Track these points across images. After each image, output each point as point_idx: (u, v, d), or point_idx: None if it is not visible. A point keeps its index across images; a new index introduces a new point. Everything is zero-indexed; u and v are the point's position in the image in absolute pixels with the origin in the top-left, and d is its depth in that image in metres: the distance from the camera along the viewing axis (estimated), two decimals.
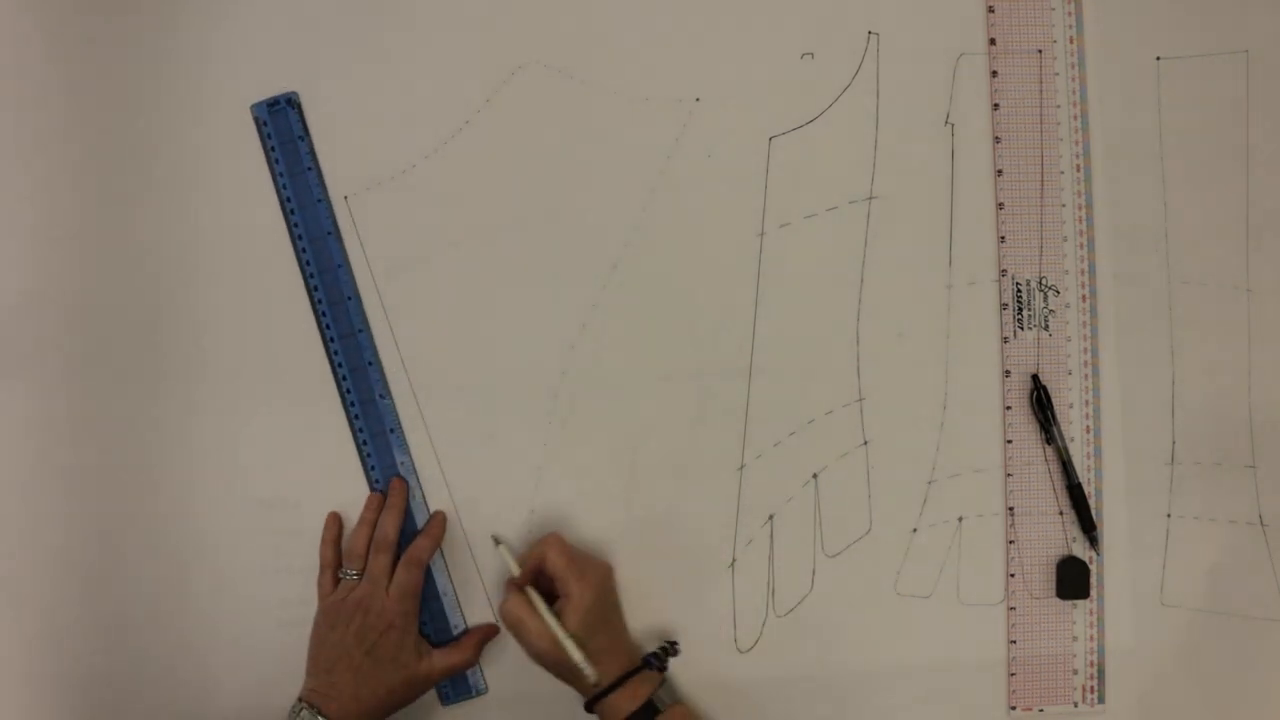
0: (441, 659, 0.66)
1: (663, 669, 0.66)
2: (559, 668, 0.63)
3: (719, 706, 0.70)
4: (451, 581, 0.70)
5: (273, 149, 0.69)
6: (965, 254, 0.72)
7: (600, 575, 0.65)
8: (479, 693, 0.70)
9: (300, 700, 0.62)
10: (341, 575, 0.67)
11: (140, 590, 0.67)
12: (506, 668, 0.70)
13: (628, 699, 0.62)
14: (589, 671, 0.61)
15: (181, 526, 0.68)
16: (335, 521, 0.69)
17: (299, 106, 0.69)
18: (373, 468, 0.69)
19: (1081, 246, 0.72)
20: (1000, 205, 0.72)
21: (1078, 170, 0.72)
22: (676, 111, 0.70)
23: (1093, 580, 0.72)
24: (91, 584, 0.68)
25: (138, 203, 0.69)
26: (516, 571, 0.66)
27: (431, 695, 0.70)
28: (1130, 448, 0.72)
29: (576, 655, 0.61)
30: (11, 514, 0.67)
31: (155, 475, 0.68)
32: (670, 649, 0.68)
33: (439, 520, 0.69)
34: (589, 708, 0.65)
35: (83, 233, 0.68)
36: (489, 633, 0.69)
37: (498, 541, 0.69)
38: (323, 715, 0.61)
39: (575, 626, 0.62)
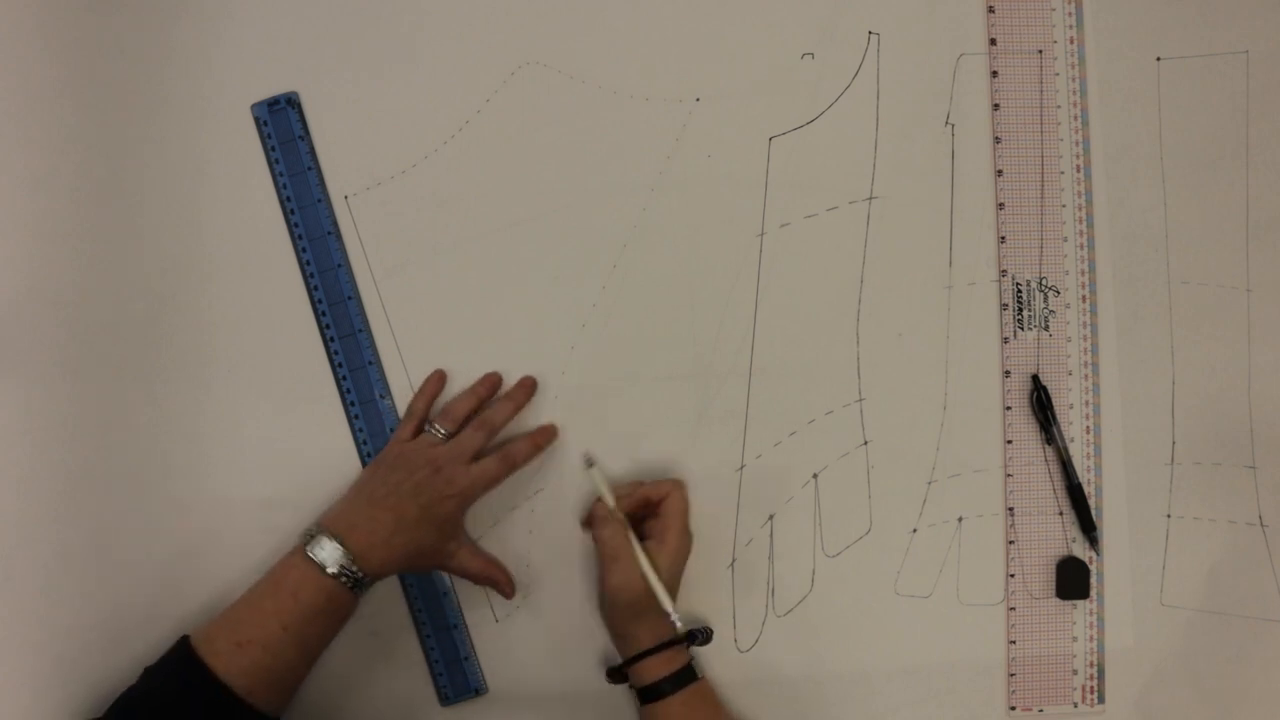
0: (468, 555, 0.66)
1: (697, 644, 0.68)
2: (628, 609, 0.63)
3: None
4: (451, 581, 0.70)
5: (273, 149, 0.69)
6: (965, 254, 0.72)
7: (690, 543, 0.66)
8: (479, 693, 0.70)
9: (321, 528, 0.61)
10: (427, 429, 0.67)
11: (140, 590, 0.67)
12: (506, 668, 0.70)
13: (666, 662, 0.63)
14: (675, 617, 0.62)
15: (181, 526, 0.68)
16: (441, 379, 0.69)
17: (299, 106, 0.69)
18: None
19: (1081, 246, 0.72)
20: (1000, 205, 0.72)
21: (1078, 170, 0.72)
22: (676, 111, 0.70)
23: (1093, 580, 0.72)
24: (91, 584, 0.68)
25: (138, 202, 0.68)
26: (610, 500, 0.66)
27: (431, 695, 0.70)
28: (1130, 448, 0.72)
29: (668, 605, 0.62)
30: (10, 514, 0.67)
31: (155, 475, 0.68)
32: (709, 634, 0.68)
33: (547, 432, 0.69)
34: (616, 672, 0.66)
35: (83, 232, 0.68)
36: (505, 579, 0.68)
37: (590, 463, 0.68)
38: (345, 546, 0.60)
39: (662, 571, 0.63)
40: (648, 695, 0.63)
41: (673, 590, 0.64)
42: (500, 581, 0.68)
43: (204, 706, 0.58)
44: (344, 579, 0.60)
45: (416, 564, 0.65)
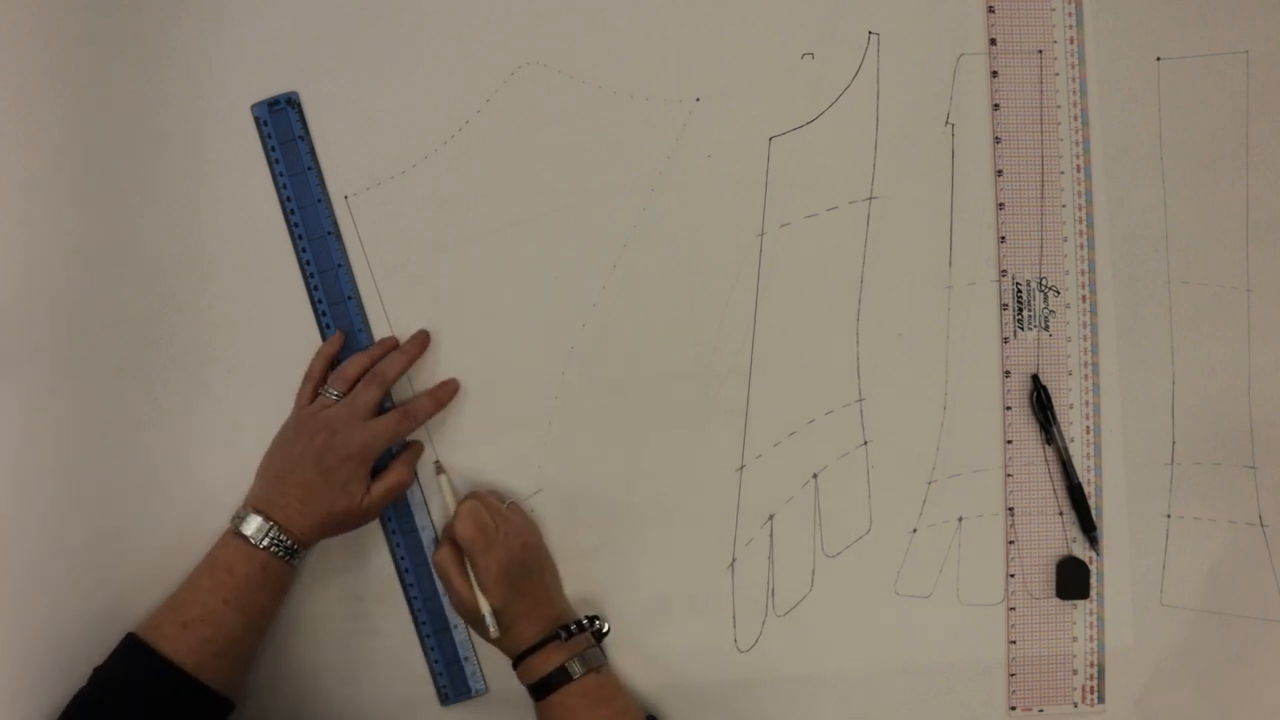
0: (379, 487, 0.65)
1: (598, 639, 0.67)
2: (476, 625, 0.64)
3: (719, 706, 0.70)
4: None
5: (273, 149, 0.69)
6: (965, 254, 0.72)
7: (512, 548, 0.63)
8: (479, 693, 0.70)
9: (247, 507, 0.63)
10: (322, 392, 0.67)
11: (140, 591, 0.67)
12: (506, 668, 0.70)
13: (540, 663, 0.63)
14: (490, 625, 0.62)
15: (181, 527, 0.68)
16: (339, 339, 0.69)
17: (299, 106, 0.69)
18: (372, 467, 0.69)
19: (1081, 246, 0.72)
20: (1000, 205, 0.72)
21: (1078, 170, 0.72)
22: (676, 111, 0.70)
23: (1093, 580, 0.72)
24: (90, 584, 0.68)
25: (138, 203, 0.68)
26: (453, 508, 0.65)
27: (431, 695, 0.70)
28: (1130, 448, 0.72)
29: (485, 608, 0.62)
30: (9, 514, 0.67)
31: (154, 475, 0.68)
32: (588, 624, 0.66)
33: (449, 387, 0.69)
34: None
35: (82, 232, 0.68)
36: (418, 451, 0.69)
37: (440, 470, 0.68)
38: (272, 521, 0.62)
39: (490, 591, 0.62)
40: (532, 693, 0.64)
41: (517, 597, 0.63)
42: (419, 451, 0.69)
43: (157, 690, 0.59)
44: (275, 549, 0.62)
45: (339, 523, 0.64)
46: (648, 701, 0.70)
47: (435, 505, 0.70)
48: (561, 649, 0.64)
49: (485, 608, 0.62)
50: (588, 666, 0.64)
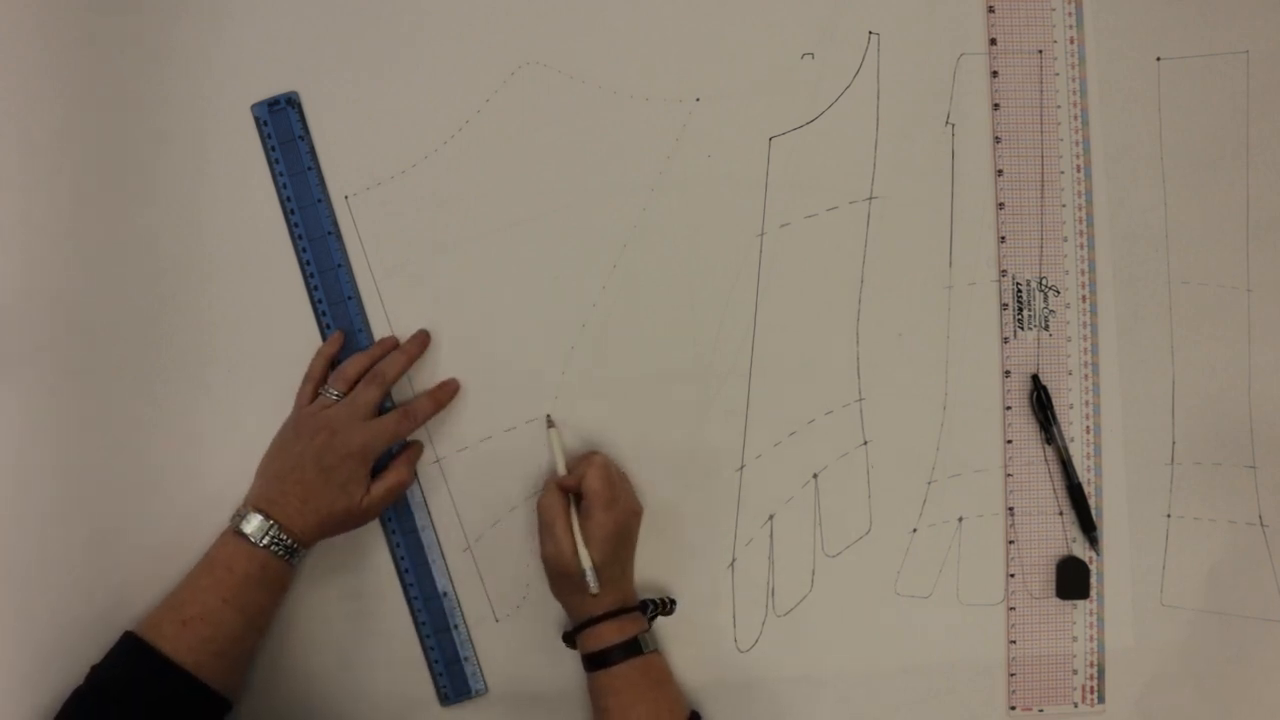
0: (379, 487, 0.65)
1: (652, 618, 0.68)
2: (563, 578, 0.64)
3: (719, 706, 0.70)
4: (451, 581, 0.70)
5: (273, 149, 0.69)
6: (965, 254, 0.72)
7: (627, 512, 0.65)
8: (479, 693, 0.70)
9: (247, 506, 0.63)
10: (322, 392, 0.67)
11: (139, 591, 0.67)
12: (506, 668, 0.70)
13: (615, 631, 0.63)
14: (591, 580, 0.62)
15: (181, 526, 0.68)
16: (339, 339, 0.69)
17: (299, 106, 0.69)
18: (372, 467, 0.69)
19: (1081, 246, 0.72)
20: (1000, 205, 0.72)
21: (1078, 170, 0.72)
22: (676, 111, 0.70)
23: (1093, 580, 0.72)
24: (90, 583, 0.68)
25: (137, 203, 0.68)
26: (562, 469, 0.67)
27: (431, 695, 0.70)
28: (1130, 448, 0.72)
29: (586, 563, 0.63)
30: (9, 514, 0.67)
31: (154, 475, 0.68)
32: (667, 604, 0.69)
33: (448, 388, 0.69)
34: (569, 638, 0.66)
35: (82, 232, 0.68)
36: (418, 451, 0.69)
37: (551, 424, 0.69)
38: (272, 520, 0.62)
39: (594, 548, 0.63)
40: (591, 663, 0.64)
41: (613, 560, 0.64)
42: (419, 453, 0.69)
43: (156, 689, 0.59)
44: (275, 548, 0.62)
45: (339, 523, 0.65)
46: None
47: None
48: (636, 621, 0.65)
49: (587, 561, 0.63)
50: (652, 646, 0.65)
